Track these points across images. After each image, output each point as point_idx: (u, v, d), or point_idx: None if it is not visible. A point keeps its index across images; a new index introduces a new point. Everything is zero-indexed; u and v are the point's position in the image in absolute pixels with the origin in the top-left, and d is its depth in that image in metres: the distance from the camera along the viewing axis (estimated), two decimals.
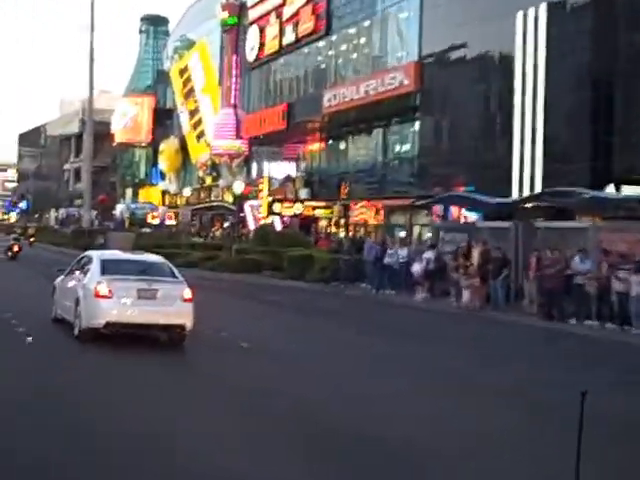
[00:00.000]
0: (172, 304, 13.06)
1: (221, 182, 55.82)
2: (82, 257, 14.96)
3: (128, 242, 45.80)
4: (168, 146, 67.57)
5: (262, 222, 45.43)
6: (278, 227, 44.14)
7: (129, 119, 76.31)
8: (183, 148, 65.08)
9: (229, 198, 53.74)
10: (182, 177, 67.33)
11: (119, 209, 73.65)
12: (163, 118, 73.64)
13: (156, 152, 71.07)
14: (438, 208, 31.69)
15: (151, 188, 73.01)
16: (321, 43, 43.38)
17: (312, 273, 29.44)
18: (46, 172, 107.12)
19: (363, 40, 39.80)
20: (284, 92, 47.26)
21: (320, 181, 45.05)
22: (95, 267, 13.60)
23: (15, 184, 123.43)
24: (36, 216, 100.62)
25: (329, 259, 29.85)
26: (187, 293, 13.22)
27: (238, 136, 51.97)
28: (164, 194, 69.30)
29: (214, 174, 59.26)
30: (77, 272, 14.40)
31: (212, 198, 58.93)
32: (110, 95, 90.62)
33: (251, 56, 50.26)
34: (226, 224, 56.55)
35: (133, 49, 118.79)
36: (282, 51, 46.55)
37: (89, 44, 60.13)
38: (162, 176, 69.94)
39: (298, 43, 44.76)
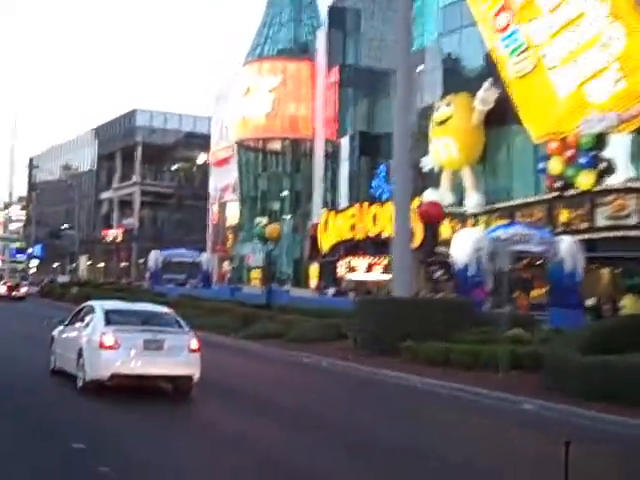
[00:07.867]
0: (179, 354, 12.90)
1: None
2: (82, 307, 14.53)
3: None
4: (460, 113, 34.59)
5: None
6: None
7: (268, 101, 47.88)
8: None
9: None
10: (478, 179, 35.08)
11: (474, 239, 25.98)
12: (359, 89, 45.29)
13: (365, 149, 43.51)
14: None
15: (371, 208, 39.28)
16: None
17: None
18: (55, 210, 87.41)
19: None
20: None
21: None
22: (99, 317, 13.25)
23: (20, 224, 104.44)
24: (55, 265, 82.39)
25: None
26: (194, 344, 13.08)
27: None
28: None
29: (602, 165, 28.44)
30: (78, 323, 13.99)
31: (601, 220, 28.03)
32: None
33: None
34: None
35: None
36: None
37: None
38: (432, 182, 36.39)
39: None
